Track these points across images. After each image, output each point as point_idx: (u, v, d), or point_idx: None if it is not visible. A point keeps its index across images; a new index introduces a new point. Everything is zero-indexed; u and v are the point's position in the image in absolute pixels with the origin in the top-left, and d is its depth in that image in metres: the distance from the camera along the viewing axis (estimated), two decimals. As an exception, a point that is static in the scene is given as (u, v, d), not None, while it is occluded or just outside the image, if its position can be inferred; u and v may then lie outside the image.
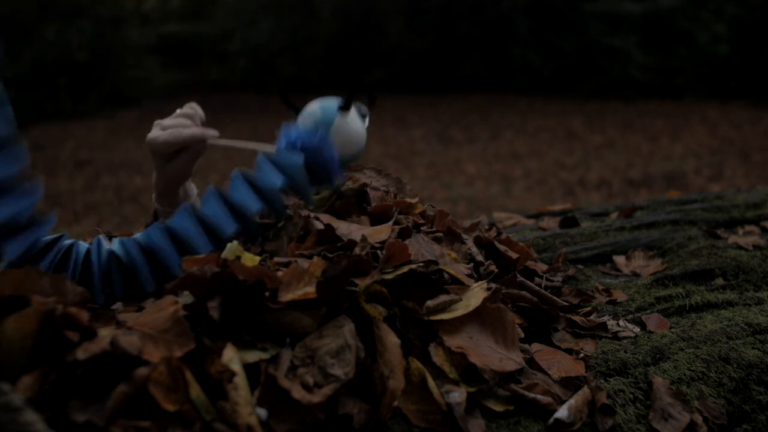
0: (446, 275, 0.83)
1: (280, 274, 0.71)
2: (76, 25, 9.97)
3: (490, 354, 0.73)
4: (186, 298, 0.69)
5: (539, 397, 0.71)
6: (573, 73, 9.56)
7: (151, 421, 0.57)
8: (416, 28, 10.43)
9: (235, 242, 0.84)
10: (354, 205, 1.02)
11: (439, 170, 6.07)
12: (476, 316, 0.76)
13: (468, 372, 0.71)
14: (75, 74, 9.72)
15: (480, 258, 0.98)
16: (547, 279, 1.04)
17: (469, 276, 0.87)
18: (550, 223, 1.41)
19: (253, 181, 0.95)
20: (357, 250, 0.76)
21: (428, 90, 10.17)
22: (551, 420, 0.69)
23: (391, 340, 0.68)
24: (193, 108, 1.15)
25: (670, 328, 0.92)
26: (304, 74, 11.21)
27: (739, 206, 1.48)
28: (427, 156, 6.63)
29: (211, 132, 1.10)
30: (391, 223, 0.89)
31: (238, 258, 0.76)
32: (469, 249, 0.98)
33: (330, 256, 0.81)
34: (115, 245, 0.97)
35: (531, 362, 0.77)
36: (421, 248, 0.86)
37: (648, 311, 0.98)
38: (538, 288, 0.93)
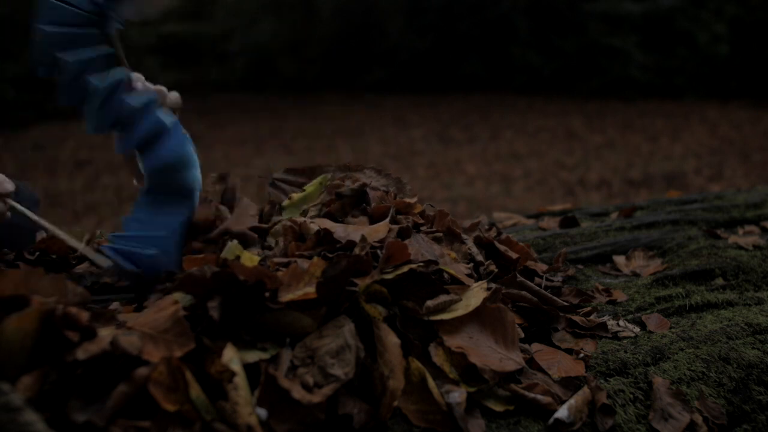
0: (446, 275, 0.83)
1: (280, 274, 0.71)
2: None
3: (490, 354, 0.73)
4: (185, 299, 0.69)
5: (539, 397, 0.71)
6: (573, 73, 9.56)
7: (151, 421, 0.57)
8: (416, 28, 10.43)
9: (234, 241, 0.84)
10: (352, 205, 1.01)
11: (439, 170, 6.07)
12: (476, 316, 0.76)
13: (468, 372, 0.71)
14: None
15: (480, 258, 0.98)
16: (547, 279, 1.04)
17: (469, 276, 0.87)
18: (550, 223, 1.41)
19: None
20: (356, 250, 0.76)
21: (428, 90, 10.16)
22: (551, 420, 0.69)
23: (391, 340, 0.68)
24: (158, 89, 1.08)
25: (670, 328, 0.92)
26: (304, 74, 11.21)
27: (739, 206, 1.48)
28: (427, 156, 6.63)
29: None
30: (387, 221, 0.89)
31: (238, 258, 0.76)
32: (469, 249, 0.98)
33: (330, 256, 0.81)
34: None
35: (531, 362, 0.77)
36: (421, 248, 0.86)
37: (648, 311, 0.98)
38: (538, 288, 0.93)
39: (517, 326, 0.79)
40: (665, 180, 5.35)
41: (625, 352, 0.84)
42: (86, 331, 0.61)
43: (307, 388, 0.63)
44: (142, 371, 0.58)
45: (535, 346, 0.81)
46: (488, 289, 0.80)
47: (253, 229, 0.97)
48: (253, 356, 0.64)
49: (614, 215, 1.49)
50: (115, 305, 0.80)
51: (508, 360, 0.73)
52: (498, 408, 0.69)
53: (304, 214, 1.02)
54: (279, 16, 11.57)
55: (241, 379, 0.61)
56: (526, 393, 0.71)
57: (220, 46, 12.31)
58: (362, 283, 0.71)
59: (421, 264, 0.77)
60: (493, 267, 0.97)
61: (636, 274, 1.15)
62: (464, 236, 1.01)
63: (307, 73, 11.21)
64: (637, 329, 0.91)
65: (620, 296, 1.04)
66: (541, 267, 1.08)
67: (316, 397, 0.61)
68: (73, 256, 1.02)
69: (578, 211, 1.56)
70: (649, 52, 9.21)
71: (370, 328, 0.70)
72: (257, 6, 11.71)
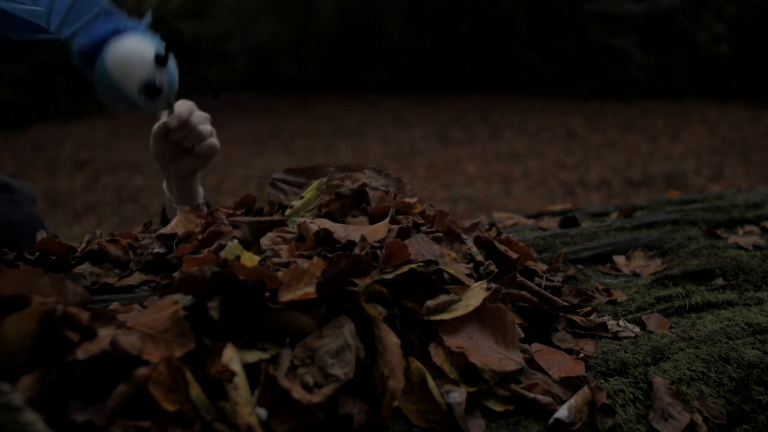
0: (446, 275, 0.83)
1: (280, 274, 0.71)
2: (76, 25, 9.95)
3: (490, 354, 0.73)
4: (184, 299, 0.69)
5: (539, 397, 0.71)
6: (573, 73, 9.56)
7: (151, 421, 0.57)
8: (416, 28, 10.43)
9: (235, 241, 0.84)
10: (352, 205, 1.01)
11: (439, 170, 6.07)
12: (476, 316, 0.76)
13: (468, 372, 0.71)
14: (75, 74, 9.71)
15: (480, 258, 0.98)
16: (547, 279, 1.04)
17: (469, 276, 0.87)
18: (550, 223, 1.41)
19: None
20: (356, 250, 0.76)
21: (428, 90, 10.17)
22: (551, 420, 0.69)
23: (391, 340, 0.68)
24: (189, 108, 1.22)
25: (670, 328, 0.92)
26: (304, 74, 11.22)
27: (739, 206, 1.48)
28: (427, 156, 6.64)
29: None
30: (387, 221, 0.89)
31: (238, 258, 0.76)
32: (469, 249, 0.98)
33: (329, 256, 0.81)
34: None
35: (531, 362, 0.77)
36: (421, 248, 0.86)
37: (648, 311, 0.98)
38: (538, 288, 0.93)
39: (517, 326, 0.79)
40: (665, 180, 5.35)
41: (625, 352, 0.84)
42: (86, 331, 0.61)
43: (307, 388, 0.63)
44: (142, 371, 0.58)
45: (535, 346, 0.81)
46: (488, 289, 0.80)
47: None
48: (253, 356, 0.64)
49: (614, 215, 1.49)
50: (115, 305, 0.80)
51: (508, 360, 0.73)
52: (498, 408, 0.69)
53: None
54: (279, 16, 11.58)
55: (241, 379, 0.61)
56: (526, 393, 0.71)
57: (220, 46, 12.32)
58: (362, 283, 0.71)
59: (421, 264, 0.77)
60: (493, 267, 0.97)
61: (636, 274, 1.15)
62: (464, 236, 1.01)
63: (307, 73, 11.22)
64: (637, 329, 0.91)
65: (620, 296, 1.04)
66: (541, 267, 1.08)
67: (316, 397, 0.61)
68: (72, 257, 1.02)
69: (578, 211, 1.56)
70: (649, 52, 9.21)
71: (370, 328, 0.70)
72: (257, 6, 11.72)
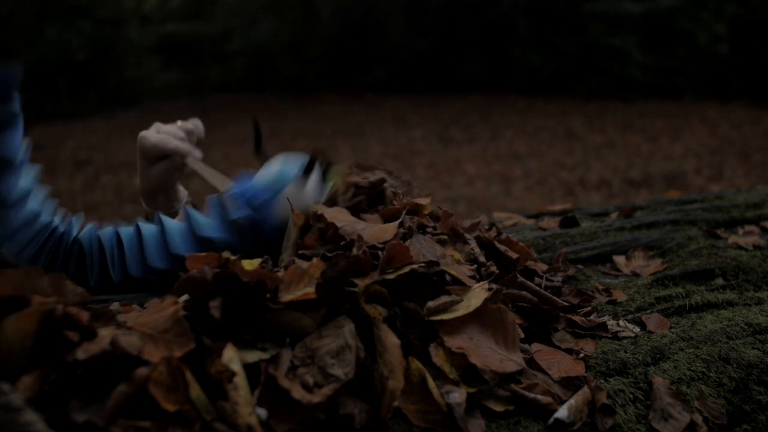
0: (448, 276, 0.83)
1: (280, 274, 0.71)
2: (76, 25, 9.97)
3: (491, 355, 0.73)
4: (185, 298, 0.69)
5: (539, 397, 0.71)
6: (573, 73, 9.56)
7: (151, 421, 0.57)
8: (416, 28, 10.43)
9: None
10: (369, 199, 1.03)
11: (439, 170, 6.07)
12: (477, 317, 0.76)
13: (468, 372, 0.71)
14: (75, 74, 9.72)
15: (482, 259, 0.98)
16: (547, 279, 1.04)
17: (471, 277, 0.88)
18: (550, 223, 1.41)
19: (192, 226, 1.00)
20: (354, 251, 0.76)
21: (428, 90, 10.17)
22: (551, 420, 0.69)
23: (391, 340, 0.68)
24: (195, 125, 1.17)
25: (670, 328, 0.92)
26: (304, 74, 11.22)
27: (739, 206, 1.48)
28: (427, 156, 6.63)
29: (196, 153, 1.12)
30: (396, 223, 0.89)
31: (238, 259, 0.76)
32: (472, 249, 0.98)
33: (329, 255, 0.81)
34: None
35: (531, 362, 0.77)
36: (423, 249, 0.86)
37: (648, 311, 0.98)
38: (538, 288, 0.93)
39: (517, 326, 0.79)
40: (665, 180, 5.35)
41: (625, 352, 0.84)
42: (86, 331, 0.61)
43: (307, 388, 0.63)
44: (142, 371, 0.58)
45: (535, 346, 0.81)
46: (489, 289, 0.80)
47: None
48: (253, 356, 0.64)
49: (614, 215, 1.49)
50: (115, 305, 0.80)
51: (509, 360, 0.73)
52: (498, 408, 0.69)
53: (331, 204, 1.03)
54: (279, 16, 11.58)
55: (241, 379, 0.61)
56: (526, 393, 0.71)
57: (220, 46, 12.32)
58: (362, 283, 0.71)
59: (422, 264, 0.77)
60: (494, 268, 0.97)
61: (636, 274, 1.15)
62: (467, 236, 1.01)
63: (307, 73, 11.22)
64: (637, 329, 0.91)
65: (620, 296, 1.04)
66: (541, 267, 1.08)
67: (316, 397, 0.61)
68: None
69: (578, 211, 1.56)
70: (649, 52, 9.21)
71: (370, 329, 0.70)
72: (257, 6, 11.71)
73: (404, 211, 0.95)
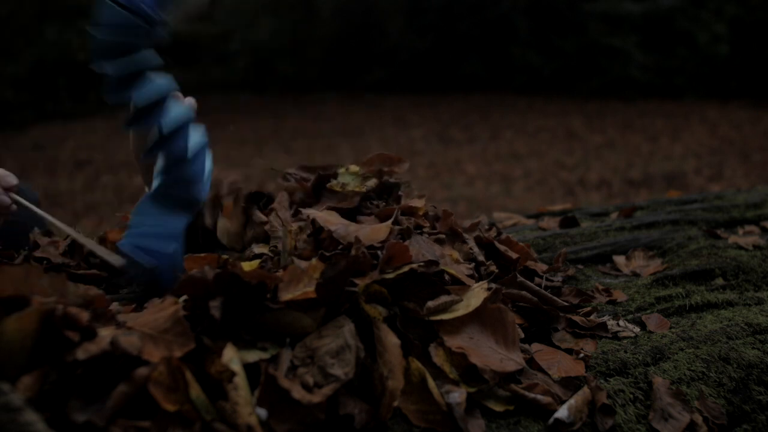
0: (447, 276, 0.83)
1: (279, 274, 0.71)
2: (76, 25, 9.96)
3: (491, 354, 0.73)
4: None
5: (539, 397, 0.71)
6: (573, 73, 9.55)
7: (151, 421, 0.57)
8: (416, 28, 10.42)
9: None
10: (379, 195, 1.03)
11: (439, 170, 6.07)
12: (477, 317, 0.76)
13: (468, 372, 0.71)
14: (75, 74, 9.71)
15: (481, 258, 0.98)
16: (547, 279, 1.04)
17: (470, 276, 0.87)
18: (550, 223, 1.41)
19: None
20: (353, 251, 0.76)
21: (428, 90, 10.16)
22: (551, 420, 0.69)
23: (391, 340, 0.68)
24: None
25: (670, 328, 0.92)
26: (304, 74, 11.21)
27: (739, 206, 1.48)
28: (427, 156, 6.63)
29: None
30: (389, 222, 0.89)
31: (238, 259, 0.76)
32: (470, 249, 0.98)
33: (327, 255, 0.81)
34: None
35: (531, 362, 0.77)
36: (422, 249, 0.86)
37: (648, 311, 0.98)
38: (538, 288, 0.93)
39: (517, 326, 0.79)
40: (665, 180, 5.34)
41: (625, 352, 0.84)
42: (86, 331, 0.61)
43: (307, 388, 0.63)
44: (142, 371, 0.58)
45: (535, 346, 0.81)
46: (489, 289, 0.80)
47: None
48: (253, 356, 0.64)
49: (614, 215, 1.49)
50: (115, 305, 0.80)
51: (509, 360, 0.73)
52: (498, 408, 0.69)
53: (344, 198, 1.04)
54: (279, 16, 11.57)
55: (241, 379, 0.61)
56: (527, 393, 0.71)
57: (220, 46, 12.30)
58: (362, 283, 0.71)
59: (422, 264, 0.77)
60: (493, 267, 0.97)
61: (636, 274, 1.15)
62: (466, 236, 1.01)
63: (307, 73, 11.21)
64: (637, 329, 0.91)
65: (620, 296, 1.04)
66: (541, 267, 1.08)
67: (316, 397, 0.61)
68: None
69: (578, 211, 1.56)
70: (649, 52, 9.20)
71: (370, 329, 0.70)
72: (257, 6, 11.70)
73: (398, 211, 0.95)
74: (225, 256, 0.91)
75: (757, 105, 8.26)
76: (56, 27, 9.83)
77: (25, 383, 0.56)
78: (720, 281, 1.09)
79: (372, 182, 1.06)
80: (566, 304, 0.95)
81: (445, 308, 0.75)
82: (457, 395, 0.67)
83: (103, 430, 0.55)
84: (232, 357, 0.61)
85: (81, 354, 0.58)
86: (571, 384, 0.75)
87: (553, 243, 1.28)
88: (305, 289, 0.69)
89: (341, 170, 1.10)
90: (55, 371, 0.58)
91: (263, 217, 1.05)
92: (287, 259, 0.89)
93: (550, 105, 8.97)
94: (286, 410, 0.61)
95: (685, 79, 9.08)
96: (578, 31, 9.54)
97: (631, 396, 0.76)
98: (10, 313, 0.58)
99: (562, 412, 0.69)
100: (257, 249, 0.96)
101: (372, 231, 0.86)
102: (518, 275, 0.94)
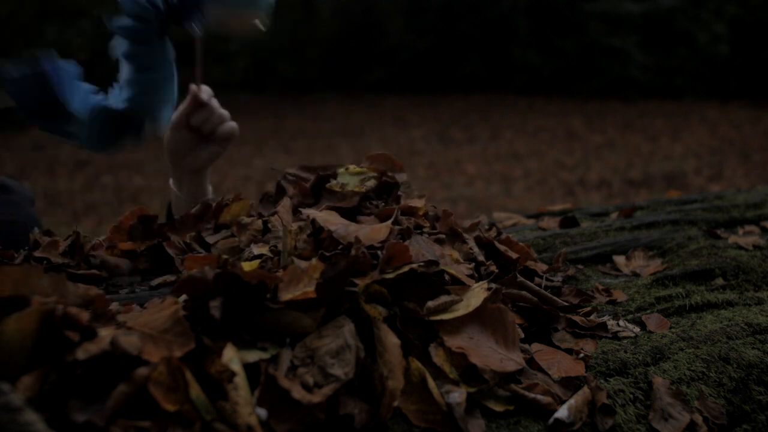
0: (447, 276, 0.83)
1: (279, 274, 0.71)
2: (76, 25, 9.97)
3: (491, 354, 0.73)
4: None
5: (539, 397, 0.71)
6: (573, 73, 9.56)
7: (151, 421, 0.57)
8: (416, 28, 10.43)
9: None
10: (378, 195, 1.03)
11: (439, 170, 6.07)
12: (477, 317, 0.76)
13: (468, 372, 0.71)
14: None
15: (481, 258, 0.98)
16: (547, 279, 1.04)
17: (470, 276, 0.87)
18: (550, 223, 1.41)
19: None
20: (353, 251, 0.76)
21: (428, 90, 10.17)
22: (551, 420, 0.69)
23: (391, 340, 0.68)
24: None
25: (670, 328, 0.92)
26: (304, 74, 11.21)
27: (739, 206, 1.48)
28: (427, 156, 6.63)
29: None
30: (389, 222, 0.89)
31: (237, 259, 0.76)
32: (470, 249, 0.98)
33: (327, 254, 0.81)
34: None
35: (531, 362, 0.77)
36: (422, 249, 0.86)
37: (648, 311, 0.98)
38: (538, 288, 0.93)
39: (517, 326, 0.79)
40: (665, 180, 5.35)
41: (625, 352, 0.84)
42: (86, 331, 0.61)
43: (307, 388, 0.63)
44: (142, 371, 0.58)
45: (535, 346, 0.81)
46: (489, 289, 0.80)
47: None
48: (253, 356, 0.64)
49: (614, 215, 1.49)
50: (115, 305, 0.80)
51: (509, 360, 0.73)
52: (498, 408, 0.69)
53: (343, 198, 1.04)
54: (279, 16, 11.57)
55: (241, 379, 0.61)
56: (526, 393, 0.71)
57: (220, 46, 12.31)
58: (362, 283, 0.71)
59: (422, 264, 0.77)
60: (493, 267, 0.97)
61: (636, 274, 1.15)
62: (466, 236, 1.01)
63: (307, 73, 11.21)
64: (637, 329, 0.91)
65: (620, 296, 1.04)
66: (541, 267, 1.08)
67: (316, 397, 0.61)
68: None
69: (578, 211, 1.56)
70: (649, 52, 9.21)
71: (370, 329, 0.70)
72: (257, 6, 11.70)
73: (398, 211, 0.95)
74: (225, 256, 0.91)
75: (757, 105, 8.26)
76: (56, 27, 9.83)
77: (25, 383, 0.56)
78: (720, 281, 1.09)
79: (372, 182, 1.06)
80: (566, 304, 0.95)
81: (445, 308, 0.75)
82: (457, 395, 0.67)
83: (103, 430, 0.55)
84: (232, 357, 0.61)
85: (81, 354, 0.58)
86: (571, 384, 0.75)
87: (553, 243, 1.28)
88: (305, 289, 0.69)
89: (341, 170, 1.10)
90: (55, 371, 0.58)
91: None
92: (287, 259, 0.89)
93: (550, 105, 8.97)
94: (286, 410, 0.61)
95: (685, 79, 9.09)
96: (578, 31, 9.55)
97: (631, 396, 0.76)
98: (10, 313, 0.58)
99: (562, 412, 0.69)
100: (257, 249, 0.96)
101: (372, 231, 0.86)
102: (518, 275, 0.94)
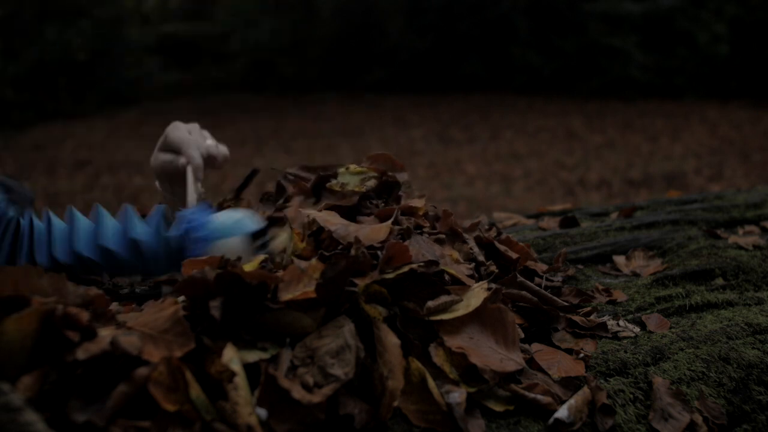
0: (447, 276, 0.83)
1: (279, 274, 0.71)
2: (76, 25, 9.97)
3: (491, 354, 0.73)
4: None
5: (539, 397, 0.71)
6: (573, 73, 9.55)
7: (151, 421, 0.57)
8: (416, 28, 10.42)
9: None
10: (378, 194, 1.03)
11: (439, 170, 6.07)
12: (477, 317, 0.76)
13: (468, 372, 0.71)
14: (75, 74, 9.71)
15: (481, 258, 0.98)
16: (547, 279, 1.04)
17: (470, 276, 0.88)
18: (550, 223, 1.41)
19: (127, 224, 1.00)
20: (353, 251, 0.76)
21: (428, 90, 10.16)
22: (551, 420, 0.69)
23: (391, 340, 0.68)
24: (223, 155, 1.19)
25: (670, 328, 0.92)
26: (304, 74, 11.21)
27: (739, 206, 1.48)
28: (427, 156, 6.63)
29: (199, 170, 1.13)
30: (389, 222, 0.89)
31: (238, 259, 0.76)
32: (470, 249, 0.98)
33: (327, 255, 0.81)
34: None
35: (531, 362, 0.77)
36: (422, 249, 0.86)
37: (648, 311, 0.98)
38: (538, 288, 0.93)
39: (517, 326, 0.79)
40: (665, 180, 5.34)
41: (625, 352, 0.84)
42: (86, 331, 0.61)
43: (307, 388, 0.63)
44: (142, 371, 0.58)
45: (535, 346, 0.81)
46: (489, 289, 0.80)
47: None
48: (253, 356, 0.64)
49: (614, 215, 1.49)
50: (114, 305, 0.80)
51: (509, 360, 0.73)
52: (498, 408, 0.69)
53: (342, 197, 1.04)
54: (279, 16, 11.57)
55: (241, 379, 0.61)
56: (526, 393, 0.71)
57: (220, 46, 12.32)
58: (362, 283, 0.71)
59: (422, 264, 0.77)
60: (493, 267, 0.97)
61: (636, 274, 1.15)
62: (466, 236, 1.01)
63: (307, 73, 11.21)
64: (637, 329, 0.91)
65: (620, 296, 1.04)
66: (541, 267, 1.08)
67: (316, 397, 0.62)
68: None
69: (578, 211, 1.56)
70: (649, 52, 9.20)
71: (370, 329, 0.70)
72: (257, 6, 11.71)
73: (398, 211, 0.95)
74: (225, 257, 0.91)
75: (757, 105, 8.26)
76: (56, 27, 9.84)
77: (25, 383, 0.56)
78: (720, 281, 1.09)
79: (372, 182, 1.06)
80: (566, 304, 0.95)
81: (445, 308, 0.75)
82: (457, 395, 0.67)
83: (103, 430, 0.55)
84: (232, 357, 0.61)
85: (81, 354, 0.58)
86: (571, 384, 0.75)
87: (553, 243, 1.28)
88: (305, 289, 0.69)
89: (341, 170, 1.10)
90: (55, 371, 0.58)
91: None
92: (287, 259, 0.89)
93: (550, 105, 8.97)
94: (286, 410, 0.61)
95: (685, 79, 9.08)
96: (578, 31, 9.54)
97: (631, 396, 0.76)
98: (10, 313, 0.58)
99: (562, 412, 0.69)
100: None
101: (372, 231, 0.86)
102: (518, 275, 0.94)
